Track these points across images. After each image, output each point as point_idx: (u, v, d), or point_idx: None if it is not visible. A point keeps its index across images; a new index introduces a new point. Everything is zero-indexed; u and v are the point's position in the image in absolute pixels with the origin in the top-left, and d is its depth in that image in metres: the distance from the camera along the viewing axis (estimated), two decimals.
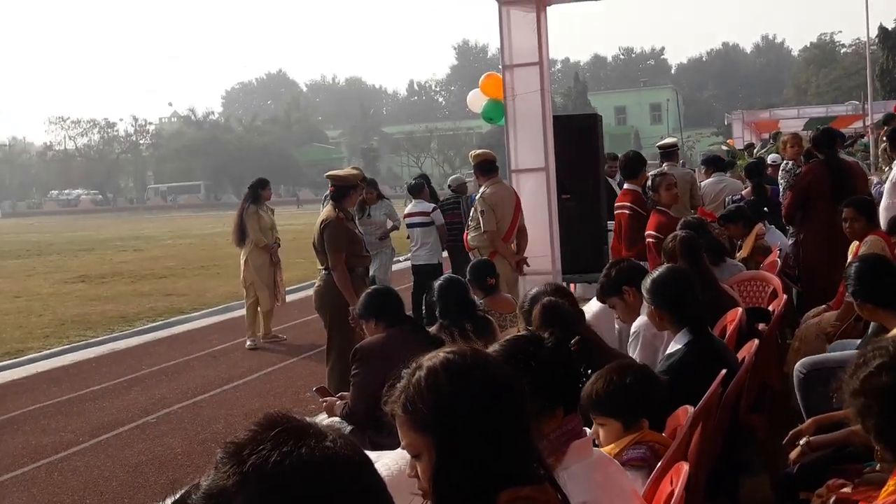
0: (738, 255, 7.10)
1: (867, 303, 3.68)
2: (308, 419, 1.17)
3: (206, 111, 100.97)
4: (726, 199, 9.97)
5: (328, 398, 4.39)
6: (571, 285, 8.63)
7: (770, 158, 12.20)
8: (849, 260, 5.77)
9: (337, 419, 4.16)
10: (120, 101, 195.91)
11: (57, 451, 6.48)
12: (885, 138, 7.61)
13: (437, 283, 5.16)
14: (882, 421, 2.02)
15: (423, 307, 10.07)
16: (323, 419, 4.40)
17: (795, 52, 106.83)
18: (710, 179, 9.99)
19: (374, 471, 1.16)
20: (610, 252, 8.26)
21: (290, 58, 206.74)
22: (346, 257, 6.55)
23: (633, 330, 4.16)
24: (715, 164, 10.42)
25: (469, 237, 7.80)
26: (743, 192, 10.01)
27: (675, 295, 3.65)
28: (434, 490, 1.62)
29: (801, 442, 3.43)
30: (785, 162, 9.58)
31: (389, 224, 10.63)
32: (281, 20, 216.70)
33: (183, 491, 1.10)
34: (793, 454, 3.40)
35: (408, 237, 10.46)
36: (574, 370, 2.20)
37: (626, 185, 7.96)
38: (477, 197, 7.71)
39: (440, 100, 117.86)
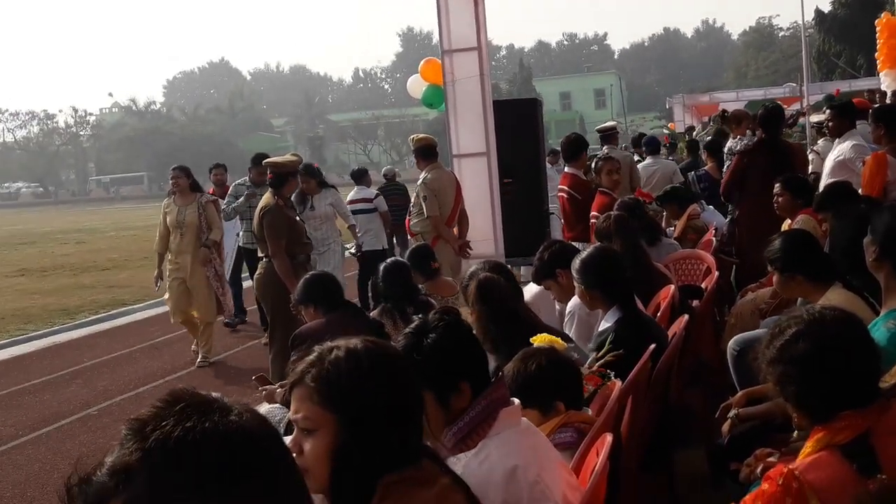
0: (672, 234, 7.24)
1: (793, 275, 3.68)
2: (214, 395, 1.17)
3: (147, 101, 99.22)
4: (690, 176, 10.16)
5: (267, 386, 4.38)
6: (514, 268, 8.70)
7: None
8: None
9: (277, 406, 4.14)
10: (59, 92, 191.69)
11: None
12: (826, 113, 7.69)
13: (382, 266, 5.18)
14: (801, 388, 2.06)
15: (370, 292, 10.11)
16: (264, 408, 4.38)
17: (735, 36, 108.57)
18: (645, 161, 10.15)
19: (283, 444, 1.17)
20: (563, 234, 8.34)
21: (233, 46, 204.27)
22: (287, 245, 6.51)
23: (567, 310, 4.23)
24: (650, 145, 10.59)
25: (411, 223, 7.81)
26: (706, 169, 10.18)
27: (602, 274, 3.74)
28: (332, 468, 1.64)
29: (731, 414, 3.51)
30: (737, 140, 9.70)
31: (329, 211, 8.99)
32: (223, 7, 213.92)
33: (89, 469, 1.08)
34: (724, 426, 3.48)
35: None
36: (470, 346, 2.23)
37: (566, 169, 8.09)
38: (419, 183, 7.71)
39: (386, 87, 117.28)
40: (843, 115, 6.98)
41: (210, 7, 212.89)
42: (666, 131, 25.71)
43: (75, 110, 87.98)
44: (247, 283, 12.24)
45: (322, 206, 8.81)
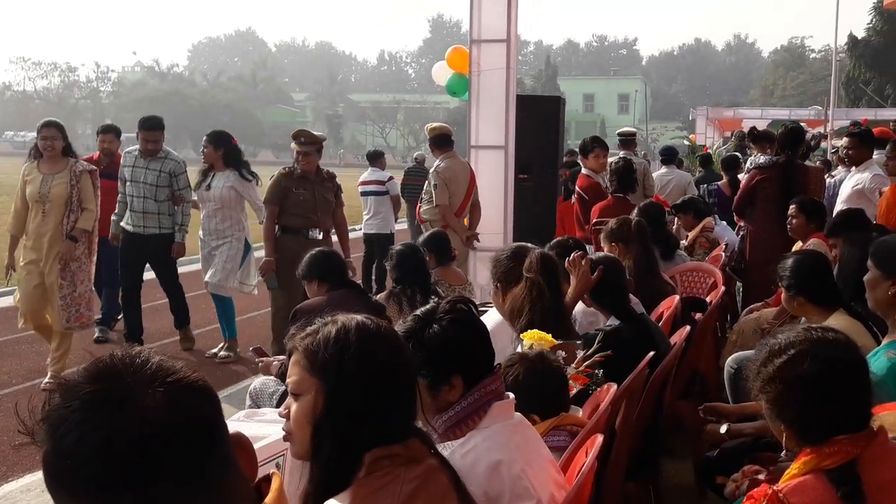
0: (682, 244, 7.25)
1: (799, 296, 3.72)
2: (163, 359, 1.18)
3: (170, 63, 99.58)
4: (702, 189, 10.15)
5: (265, 358, 4.40)
6: None
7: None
8: None
9: (272, 378, 4.17)
10: (83, 47, 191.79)
11: None
12: (845, 140, 7.67)
13: (396, 249, 5.19)
14: (801, 408, 2.03)
15: (374, 276, 10.14)
16: (259, 379, 4.41)
17: (766, 54, 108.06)
18: (660, 171, 10.14)
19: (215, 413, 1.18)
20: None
21: (261, 17, 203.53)
22: (282, 215, 6.69)
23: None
24: (666, 155, 10.58)
25: (422, 210, 7.81)
26: (719, 184, 10.17)
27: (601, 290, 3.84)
28: (313, 433, 1.71)
29: (723, 430, 3.52)
30: (756, 155, 9.67)
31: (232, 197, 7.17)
32: None
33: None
34: (708, 427, 3.51)
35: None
36: (474, 342, 2.21)
37: (582, 170, 8.16)
38: (431, 171, 7.72)
39: (410, 72, 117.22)
40: (863, 145, 7.02)
41: None
42: (686, 143, 25.61)
43: (98, 65, 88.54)
44: None
45: (220, 188, 7.14)
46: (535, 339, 2.95)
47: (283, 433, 1.80)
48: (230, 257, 7.20)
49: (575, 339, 3.42)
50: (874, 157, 7.13)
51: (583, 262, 3.86)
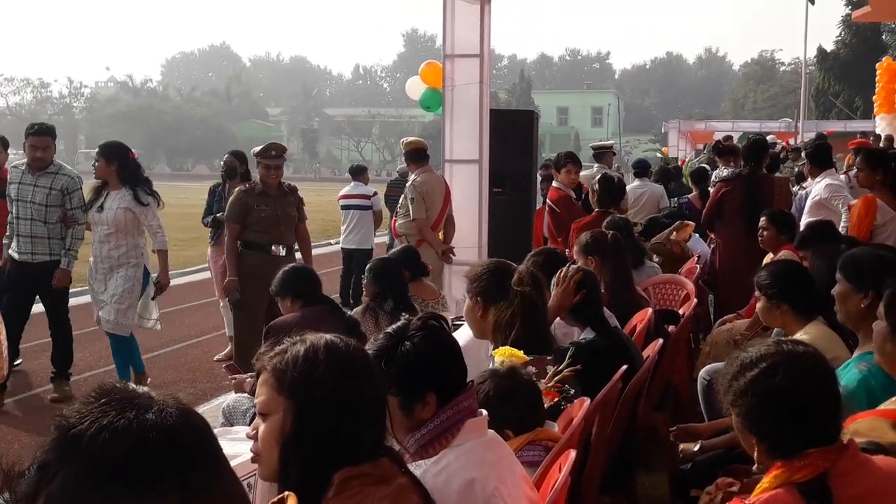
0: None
1: (783, 303, 3.67)
2: (141, 389, 1.18)
3: (144, 78, 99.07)
4: (672, 202, 10.21)
5: (238, 375, 4.37)
6: None
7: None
8: None
9: (245, 395, 4.14)
10: (56, 63, 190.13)
11: None
12: (803, 155, 7.87)
13: (371, 263, 5.17)
14: (774, 421, 2.02)
15: (351, 289, 10.11)
16: (232, 396, 4.37)
17: (736, 67, 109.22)
18: (633, 184, 10.21)
19: (208, 443, 1.18)
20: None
21: (235, 31, 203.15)
22: (245, 231, 6.50)
23: None
24: (638, 168, 10.66)
25: (397, 224, 7.82)
26: (689, 197, 10.24)
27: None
28: (282, 453, 1.70)
29: (696, 448, 3.54)
30: (721, 168, 9.78)
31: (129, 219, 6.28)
32: None
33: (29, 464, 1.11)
34: (682, 447, 3.52)
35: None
36: (447, 358, 2.19)
37: (553, 182, 8.24)
38: (408, 184, 7.73)
39: (385, 86, 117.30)
40: (814, 160, 7.24)
41: None
42: (659, 155, 25.83)
43: (70, 81, 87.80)
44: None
45: (113, 209, 6.25)
46: (506, 355, 2.95)
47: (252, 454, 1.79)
48: (127, 290, 6.28)
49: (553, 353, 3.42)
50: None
51: (575, 277, 3.84)
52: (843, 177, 8.28)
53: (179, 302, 10.57)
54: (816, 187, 6.97)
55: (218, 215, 7.69)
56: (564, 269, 3.94)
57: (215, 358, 7.80)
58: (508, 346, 3.06)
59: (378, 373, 1.86)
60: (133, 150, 6.63)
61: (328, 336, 1.79)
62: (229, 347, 7.61)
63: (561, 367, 3.02)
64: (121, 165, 6.29)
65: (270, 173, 6.54)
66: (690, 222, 7.61)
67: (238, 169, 7.86)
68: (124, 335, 6.39)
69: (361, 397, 1.74)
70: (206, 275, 10.18)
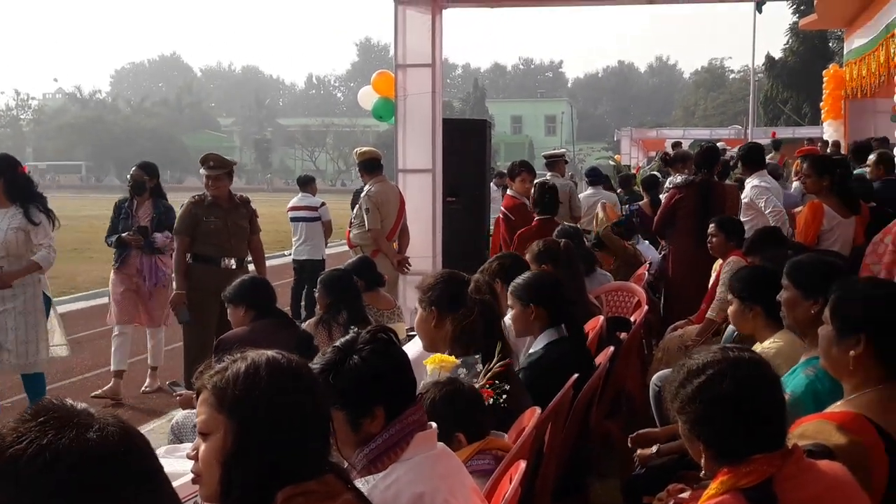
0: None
1: (756, 306, 3.66)
2: (80, 406, 1.15)
3: (93, 90, 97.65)
4: (624, 209, 10.32)
5: (183, 392, 4.31)
6: None
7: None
8: (712, 277, 6.03)
9: (192, 411, 4.07)
10: (2, 74, 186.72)
11: None
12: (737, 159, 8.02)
13: (323, 275, 5.14)
14: (721, 428, 2.04)
15: (304, 303, 10.03)
16: (181, 412, 4.31)
17: (687, 75, 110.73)
18: (586, 192, 10.31)
19: (149, 461, 1.16)
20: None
21: (186, 41, 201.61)
22: (194, 244, 6.40)
23: None
24: (592, 176, 10.77)
25: (352, 234, 7.78)
26: (640, 204, 10.35)
27: (551, 293, 3.82)
28: (223, 473, 1.67)
29: (654, 450, 3.56)
30: (674, 175, 9.91)
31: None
32: (178, 1, 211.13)
33: None
34: (639, 452, 3.54)
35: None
36: (396, 372, 2.18)
37: (508, 191, 8.32)
38: (363, 195, 7.70)
39: (339, 95, 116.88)
40: (746, 162, 7.43)
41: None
42: (612, 163, 26.09)
43: (17, 93, 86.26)
44: None
45: (2, 230, 5.67)
46: (437, 362, 2.96)
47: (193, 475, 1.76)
48: (30, 325, 5.73)
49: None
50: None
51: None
52: (796, 183, 8.44)
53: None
54: (745, 189, 7.14)
55: (124, 235, 7.08)
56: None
57: (92, 395, 6.97)
58: (439, 354, 3.06)
59: (322, 388, 1.83)
60: (24, 164, 6.04)
61: (270, 352, 1.76)
62: (112, 383, 7.12)
63: (492, 365, 3.03)
64: (8, 181, 5.67)
65: (210, 184, 6.42)
66: (609, 203, 7.75)
67: (147, 183, 7.27)
68: (39, 371, 5.96)
69: (304, 414, 1.71)
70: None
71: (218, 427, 1.69)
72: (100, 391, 7.13)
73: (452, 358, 3.01)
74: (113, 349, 7.19)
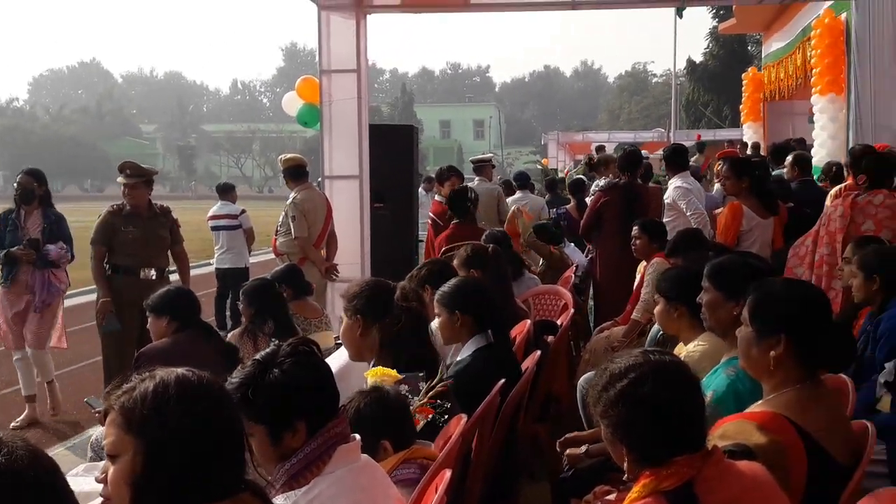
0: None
1: (681, 306, 3.68)
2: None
3: (9, 97, 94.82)
4: (550, 213, 10.40)
5: (101, 408, 4.18)
6: None
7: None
8: (637, 279, 6.12)
9: None
10: None
11: None
12: (662, 161, 8.18)
13: (247, 285, 5.05)
14: (643, 430, 2.05)
15: (228, 312, 9.89)
16: (100, 429, 4.18)
17: (611, 79, 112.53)
18: (515, 196, 10.37)
19: (57, 484, 1.13)
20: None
21: (106, 47, 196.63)
22: (111, 255, 6.26)
23: None
24: (520, 181, 10.85)
25: (278, 242, 7.68)
26: (567, 207, 10.45)
27: (478, 300, 3.80)
28: (133, 496, 1.63)
29: (583, 450, 3.58)
30: (599, 180, 10.03)
31: None
32: (96, 6, 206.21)
33: None
34: (567, 452, 3.56)
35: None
36: (317, 385, 2.15)
37: (436, 196, 8.31)
38: (288, 202, 7.60)
39: (265, 101, 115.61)
40: (669, 163, 7.62)
41: (83, 5, 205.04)
42: (539, 167, 26.38)
43: None
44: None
45: None
46: (379, 375, 2.92)
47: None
48: None
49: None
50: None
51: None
52: (718, 185, 8.61)
53: None
54: (668, 190, 7.30)
55: (12, 249, 6.49)
56: None
57: (12, 426, 6.56)
58: (380, 367, 3.02)
59: (236, 406, 1.79)
60: None
61: (180, 370, 1.71)
62: (27, 408, 6.73)
63: (434, 383, 3.00)
64: None
65: (127, 192, 6.27)
66: (524, 208, 7.86)
67: (36, 191, 6.71)
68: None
69: (216, 432, 1.67)
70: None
71: (126, 448, 1.63)
72: (17, 421, 6.71)
73: (394, 372, 2.97)
74: (19, 375, 6.82)
